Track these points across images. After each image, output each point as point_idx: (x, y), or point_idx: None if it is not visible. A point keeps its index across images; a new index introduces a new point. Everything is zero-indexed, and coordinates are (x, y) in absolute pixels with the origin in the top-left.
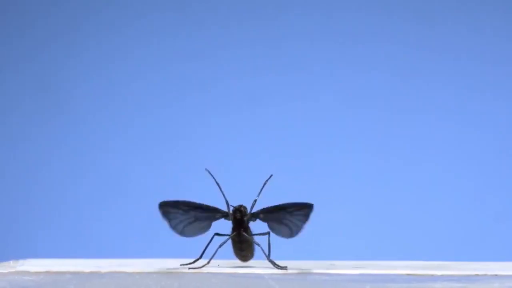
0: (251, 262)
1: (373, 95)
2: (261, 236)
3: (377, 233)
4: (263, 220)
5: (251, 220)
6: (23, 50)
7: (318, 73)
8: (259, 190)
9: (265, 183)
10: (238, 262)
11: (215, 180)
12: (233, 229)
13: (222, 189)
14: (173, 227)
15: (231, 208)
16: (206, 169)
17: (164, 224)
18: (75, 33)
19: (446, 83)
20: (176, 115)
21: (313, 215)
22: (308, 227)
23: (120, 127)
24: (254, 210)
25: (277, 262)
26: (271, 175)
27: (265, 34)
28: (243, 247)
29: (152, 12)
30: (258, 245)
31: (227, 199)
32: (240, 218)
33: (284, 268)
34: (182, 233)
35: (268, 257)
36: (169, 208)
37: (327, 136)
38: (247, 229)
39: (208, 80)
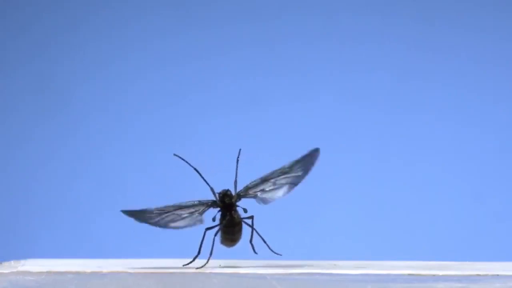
0: (252, 262)
1: (373, 95)
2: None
3: (379, 233)
4: (253, 195)
5: (237, 200)
6: (23, 50)
7: (318, 73)
8: (235, 171)
9: (237, 160)
10: (239, 262)
11: (193, 167)
12: (223, 215)
13: (202, 175)
14: (154, 224)
15: (217, 195)
16: (175, 155)
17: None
18: (75, 33)
19: (446, 83)
20: (176, 115)
21: (315, 215)
22: (310, 228)
23: (120, 127)
24: (237, 190)
25: (278, 261)
26: (240, 149)
27: (264, 35)
28: (235, 230)
29: (152, 12)
30: (251, 226)
31: (212, 186)
32: (230, 202)
33: (280, 254)
34: (167, 226)
35: (251, 241)
36: (137, 216)
37: (328, 136)
38: (236, 212)
39: (208, 81)
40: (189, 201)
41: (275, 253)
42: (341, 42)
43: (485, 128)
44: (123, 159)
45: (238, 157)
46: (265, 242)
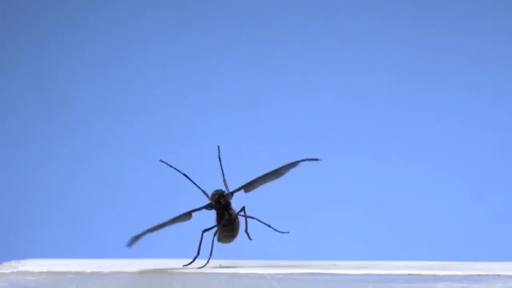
0: (252, 262)
1: (373, 95)
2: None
3: (379, 233)
4: (246, 191)
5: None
6: (23, 50)
7: (318, 73)
8: (221, 170)
9: (219, 158)
10: (239, 262)
11: (182, 173)
12: (221, 215)
13: (193, 180)
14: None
15: (211, 197)
16: (161, 160)
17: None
18: (75, 33)
19: (446, 83)
20: (176, 115)
21: (315, 215)
22: (310, 228)
23: (120, 127)
24: (228, 189)
25: (278, 261)
26: (218, 146)
27: (264, 35)
28: (234, 227)
29: (152, 12)
30: (246, 216)
31: (203, 189)
32: (226, 202)
33: (287, 232)
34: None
35: (246, 230)
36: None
37: (328, 136)
38: (232, 210)
39: (208, 81)
40: (183, 214)
41: (282, 232)
42: (341, 42)
43: (485, 128)
44: (123, 159)
45: (219, 156)
46: (269, 226)
